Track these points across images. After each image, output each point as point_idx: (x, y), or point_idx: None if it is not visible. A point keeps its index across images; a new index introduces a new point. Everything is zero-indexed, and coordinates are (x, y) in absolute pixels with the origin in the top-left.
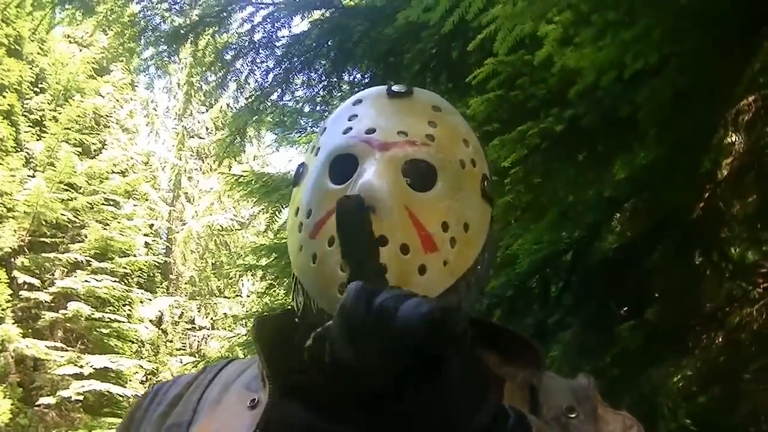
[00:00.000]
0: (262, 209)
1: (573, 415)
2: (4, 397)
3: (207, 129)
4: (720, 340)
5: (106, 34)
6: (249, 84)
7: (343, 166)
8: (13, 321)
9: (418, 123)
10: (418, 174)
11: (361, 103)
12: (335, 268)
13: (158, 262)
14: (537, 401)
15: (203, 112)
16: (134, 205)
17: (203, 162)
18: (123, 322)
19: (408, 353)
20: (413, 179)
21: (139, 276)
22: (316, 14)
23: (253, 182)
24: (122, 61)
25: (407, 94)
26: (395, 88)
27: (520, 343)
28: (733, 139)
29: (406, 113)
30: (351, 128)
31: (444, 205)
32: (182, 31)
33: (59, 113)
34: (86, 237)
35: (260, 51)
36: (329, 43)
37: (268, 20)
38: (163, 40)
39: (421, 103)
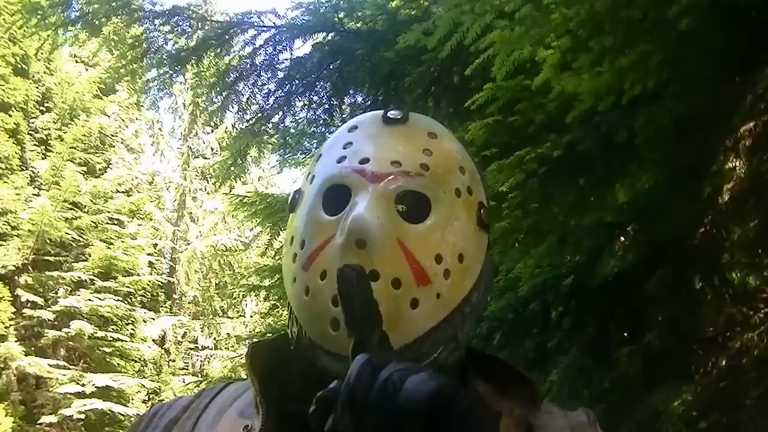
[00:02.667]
0: (266, 230)
1: None
2: (6, 416)
3: (212, 149)
4: (722, 365)
5: (112, 54)
6: (251, 106)
7: (337, 196)
8: (16, 339)
9: (413, 152)
10: (411, 204)
11: (357, 130)
12: (327, 303)
13: (162, 282)
14: None
15: (208, 133)
16: (138, 225)
17: (208, 182)
18: (126, 341)
19: (412, 429)
20: (407, 210)
21: (143, 295)
22: (318, 37)
23: (257, 203)
24: (127, 81)
25: (403, 121)
26: (391, 114)
27: (515, 376)
28: (734, 164)
29: (401, 141)
30: (345, 157)
31: (437, 236)
32: (183, 53)
33: (65, 132)
34: (90, 256)
35: (262, 73)
36: (331, 66)
37: (270, 43)
38: (166, 61)
39: (417, 129)
